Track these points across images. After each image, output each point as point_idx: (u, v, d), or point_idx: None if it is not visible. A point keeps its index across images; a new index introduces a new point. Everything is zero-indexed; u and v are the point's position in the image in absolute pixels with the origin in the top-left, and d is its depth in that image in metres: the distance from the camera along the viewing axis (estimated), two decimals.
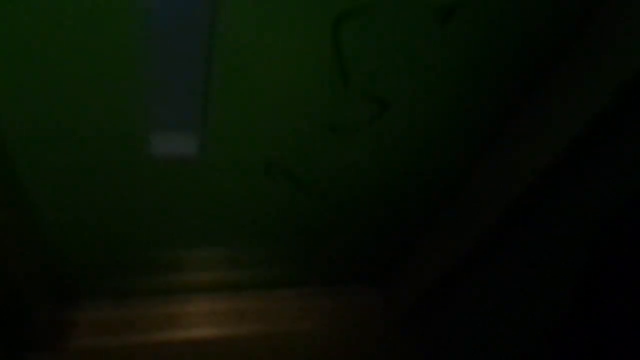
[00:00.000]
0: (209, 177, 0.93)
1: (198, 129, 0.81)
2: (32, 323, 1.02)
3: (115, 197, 0.93)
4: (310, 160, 0.97)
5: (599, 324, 0.79)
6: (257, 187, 1.00)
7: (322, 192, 1.07)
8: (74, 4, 0.61)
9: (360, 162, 1.01)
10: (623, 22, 0.76)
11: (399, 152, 1.01)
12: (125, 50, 0.67)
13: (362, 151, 0.98)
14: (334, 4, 0.69)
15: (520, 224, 1.03)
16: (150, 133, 0.80)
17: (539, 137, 0.91)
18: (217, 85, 0.76)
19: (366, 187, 1.09)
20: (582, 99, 0.82)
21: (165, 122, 0.78)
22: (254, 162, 0.93)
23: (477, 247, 1.11)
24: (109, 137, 0.80)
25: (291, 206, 1.09)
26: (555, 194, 0.94)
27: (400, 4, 0.72)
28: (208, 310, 1.32)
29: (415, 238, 1.32)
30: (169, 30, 0.65)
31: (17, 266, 0.86)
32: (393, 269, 1.44)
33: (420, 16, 0.74)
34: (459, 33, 0.79)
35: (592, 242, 0.85)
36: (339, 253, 1.33)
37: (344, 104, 0.85)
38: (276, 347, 1.30)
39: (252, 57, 0.73)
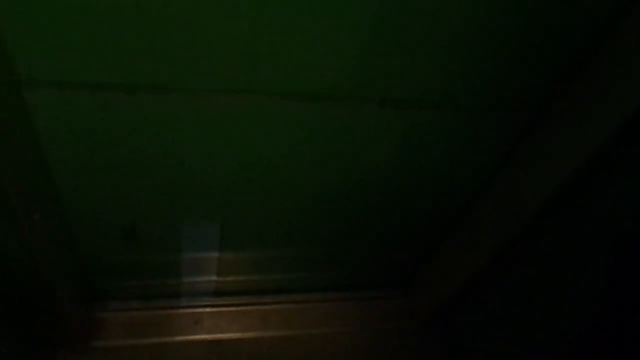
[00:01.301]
0: None
1: None
2: (63, 323, 1.04)
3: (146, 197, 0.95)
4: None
5: (626, 326, 0.78)
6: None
7: (345, 199, 1.07)
8: None
9: (384, 166, 1.00)
10: None
11: (424, 157, 1.00)
12: None
13: (385, 155, 0.97)
14: None
15: (545, 228, 1.01)
16: None
17: (566, 145, 0.90)
18: None
19: (391, 192, 1.08)
20: (606, 109, 0.82)
21: None
22: None
23: (502, 252, 1.09)
24: None
25: (315, 211, 1.09)
26: (581, 199, 0.93)
27: None
28: (232, 312, 1.33)
29: (440, 244, 1.30)
30: None
31: (51, 268, 0.88)
32: (417, 274, 1.42)
33: None
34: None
35: (617, 245, 0.84)
36: (364, 258, 1.33)
37: None
38: (299, 351, 1.30)
39: None
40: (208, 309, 1.31)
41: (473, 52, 0.79)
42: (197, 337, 1.26)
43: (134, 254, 1.11)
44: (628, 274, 0.82)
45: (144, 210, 0.98)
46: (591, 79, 0.84)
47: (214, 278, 1.26)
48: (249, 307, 1.34)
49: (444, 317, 1.38)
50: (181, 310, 1.29)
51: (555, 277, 1.00)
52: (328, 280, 1.39)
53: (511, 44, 0.79)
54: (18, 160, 0.71)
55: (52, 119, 0.73)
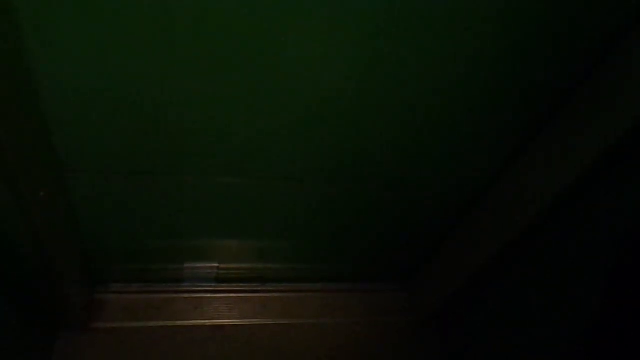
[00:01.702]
0: None
1: None
2: (65, 303, 1.04)
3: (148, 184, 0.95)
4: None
5: (629, 326, 0.79)
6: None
7: (351, 190, 1.06)
8: None
9: (390, 160, 1.00)
10: None
11: (427, 154, 1.00)
12: None
13: (390, 150, 0.97)
14: None
15: (546, 228, 1.01)
16: None
17: (571, 146, 0.90)
18: None
19: (395, 185, 1.08)
20: (614, 111, 0.81)
21: None
22: None
23: (505, 250, 1.10)
24: None
25: (320, 203, 1.09)
26: (581, 199, 0.93)
27: None
28: (233, 299, 1.33)
29: (443, 239, 1.30)
30: None
31: (55, 247, 0.88)
32: (419, 268, 1.42)
33: None
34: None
35: (618, 246, 0.84)
36: (366, 251, 1.33)
37: None
38: (299, 339, 1.31)
39: None
40: (209, 295, 1.31)
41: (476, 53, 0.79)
42: (197, 322, 1.26)
43: (136, 238, 1.11)
44: (629, 274, 0.81)
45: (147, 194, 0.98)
46: (599, 81, 0.84)
47: (215, 264, 1.27)
48: (249, 294, 1.35)
49: (444, 314, 1.39)
50: (182, 295, 1.30)
51: (555, 277, 1.01)
52: (330, 272, 1.39)
53: (519, 44, 0.78)
54: (24, 137, 0.71)
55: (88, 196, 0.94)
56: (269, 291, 1.37)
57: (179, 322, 1.25)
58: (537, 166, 0.98)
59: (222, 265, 1.27)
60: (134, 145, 0.84)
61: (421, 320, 1.42)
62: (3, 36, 0.60)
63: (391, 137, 0.94)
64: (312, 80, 0.78)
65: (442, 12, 0.70)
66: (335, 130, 0.90)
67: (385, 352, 1.36)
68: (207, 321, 1.27)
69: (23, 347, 0.97)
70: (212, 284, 1.32)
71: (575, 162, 0.88)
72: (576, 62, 0.83)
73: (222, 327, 1.27)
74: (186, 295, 1.30)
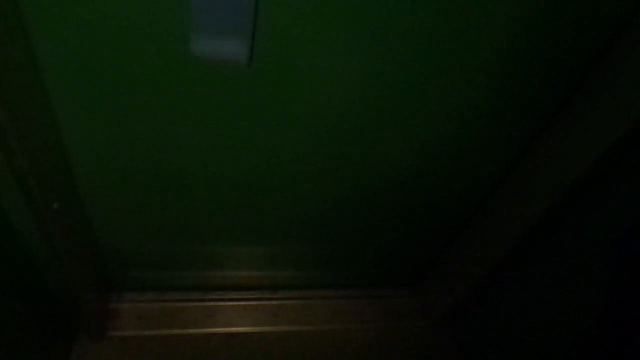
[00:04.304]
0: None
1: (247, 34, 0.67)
2: (81, 312, 1.07)
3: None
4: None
5: (631, 327, 0.77)
6: None
7: (359, 197, 1.07)
8: None
9: (398, 164, 1.00)
10: None
11: (437, 158, 1.00)
12: None
13: (399, 154, 0.98)
14: None
15: (553, 230, 1.01)
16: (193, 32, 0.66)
17: (573, 148, 0.90)
18: None
19: (404, 190, 1.08)
20: (614, 112, 0.81)
21: (211, 25, 0.65)
22: None
23: (513, 252, 1.09)
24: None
25: (330, 207, 1.10)
26: (586, 203, 0.93)
27: None
28: (245, 307, 1.34)
29: (452, 242, 1.29)
30: None
31: (71, 259, 0.91)
32: (429, 272, 1.42)
33: None
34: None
35: (620, 248, 0.83)
36: (376, 256, 1.33)
37: None
38: (310, 347, 1.31)
39: None
40: (221, 303, 1.33)
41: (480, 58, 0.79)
42: (210, 330, 1.28)
43: (151, 247, 1.14)
44: (633, 275, 0.80)
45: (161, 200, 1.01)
46: (602, 81, 0.84)
47: (227, 272, 1.28)
48: (260, 302, 1.36)
49: (455, 316, 1.37)
50: (195, 303, 1.31)
51: (569, 277, 0.99)
52: (339, 277, 1.40)
53: (522, 44, 0.78)
54: (38, 149, 0.74)
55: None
56: (279, 298, 1.38)
57: (192, 330, 1.27)
58: (540, 166, 0.98)
59: (234, 273, 1.29)
60: (146, 158, 0.87)
61: (433, 324, 1.41)
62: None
63: (400, 143, 0.95)
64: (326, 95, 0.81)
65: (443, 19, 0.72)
66: (346, 139, 0.91)
67: (399, 357, 1.35)
68: (219, 329, 1.28)
69: (40, 356, 1.00)
70: (224, 292, 1.34)
71: (580, 159, 0.88)
72: (575, 64, 0.84)
73: (234, 335, 1.28)
74: (199, 303, 1.32)
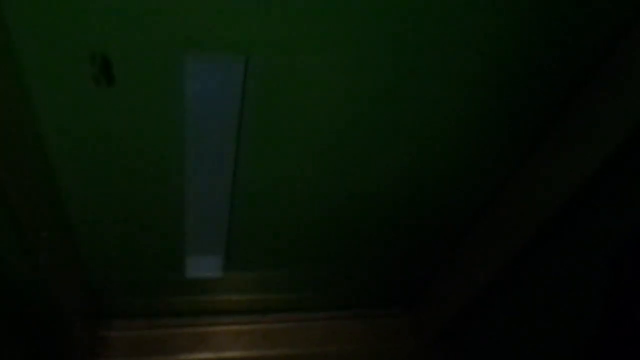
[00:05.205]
0: None
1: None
2: (70, 340, 1.06)
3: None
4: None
5: (628, 339, 0.77)
6: None
7: (350, 215, 1.08)
8: None
9: (389, 184, 1.01)
10: None
11: (430, 176, 1.02)
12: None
13: (388, 173, 0.99)
14: None
15: (548, 245, 1.01)
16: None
17: (571, 157, 0.90)
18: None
19: (396, 209, 1.09)
20: (614, 120, 0.82)
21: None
22: None
23: (505, 269, 1.09)
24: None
25: (318, 232, 1.11)
26: (582, 214, 0.92)
27: None
28: (236, 331, 1.33)
29: (445, 261, 1.30)
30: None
31: (59, 285, 0.91)
32: (421, 292, 1.41)
33: None
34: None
35: (616, 260, 0.82)
36: (368, 276, 1.33)
37: None
38: None
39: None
40: (211, 328, 1.32)
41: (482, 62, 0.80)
42: (202, 355, 1.26)
43: (141, 273, 1.13)
44: (628, 287, 0.80)
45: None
46: (604, 83, 0.83)
47: (217, 297, 1.27)
48: (252, 326, 1.35)
49: (449, 336, 1.37)
50: (186, 330, 1.30)
51: (564, 296, 0.99)
52: (331, 298, 1.39)
53: (523, 47, 0.78)
54: (27, 177, 0.74)
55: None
56: (270, 322, 1.36)
57: (183, 357, 1.25)
58: (535, 181, 0.98)
59: (224, 298, 1.28)
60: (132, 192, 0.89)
61: (427, 344, 1.40)
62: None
63: (391, 161, 0.96)
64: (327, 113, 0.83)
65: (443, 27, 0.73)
66: (338, 158, 0.92)
67: None
68: (212, 354, 1.27)
69: None
70: (215, 317, 1.33)
71: (581, 168, 0.87)
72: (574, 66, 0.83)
73: (226, 359, 1.27)
74: (190, 329, 1.31)
